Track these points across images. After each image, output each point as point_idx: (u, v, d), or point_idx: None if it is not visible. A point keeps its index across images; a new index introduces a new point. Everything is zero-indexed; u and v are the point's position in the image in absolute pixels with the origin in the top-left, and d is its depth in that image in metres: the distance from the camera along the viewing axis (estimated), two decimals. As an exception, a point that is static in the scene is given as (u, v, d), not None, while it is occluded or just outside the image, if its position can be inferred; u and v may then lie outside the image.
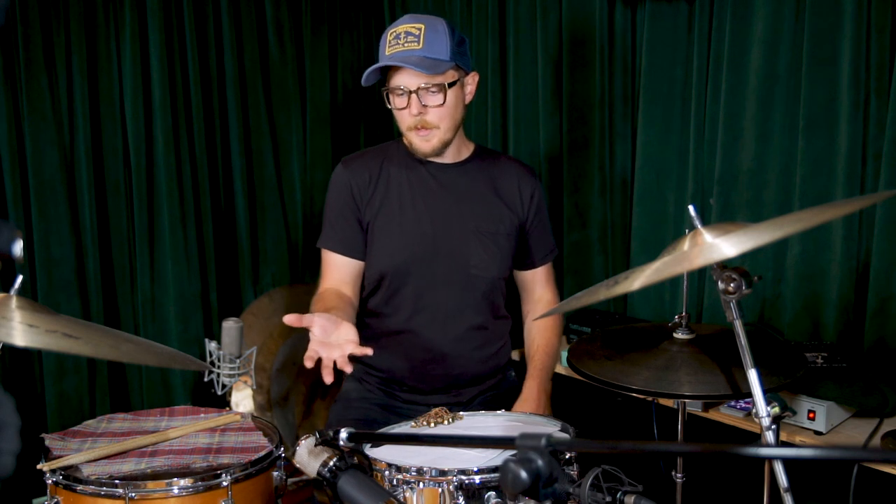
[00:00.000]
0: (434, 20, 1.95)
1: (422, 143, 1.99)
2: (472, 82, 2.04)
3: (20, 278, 1.42)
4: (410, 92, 1.93)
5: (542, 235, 2.18)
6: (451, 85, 1.95)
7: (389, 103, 2.00)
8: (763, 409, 1.38)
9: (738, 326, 1.41)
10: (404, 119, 1.99)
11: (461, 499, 1.43)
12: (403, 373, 2.10)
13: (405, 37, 1.92)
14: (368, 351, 1.66)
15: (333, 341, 1.65)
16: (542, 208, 2.16)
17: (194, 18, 2.94)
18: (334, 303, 1.98)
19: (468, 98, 2.05)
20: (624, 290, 1.29)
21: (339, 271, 2.08)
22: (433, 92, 1.94)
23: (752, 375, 1.39)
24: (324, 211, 2.14)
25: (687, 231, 1.37)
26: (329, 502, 1.44)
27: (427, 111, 1.95)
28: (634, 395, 1.76)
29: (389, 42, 1.94)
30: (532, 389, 2.05)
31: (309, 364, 1.61)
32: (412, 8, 3.27)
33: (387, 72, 1.98)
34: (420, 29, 1.92)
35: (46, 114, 2.69)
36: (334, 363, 1.61)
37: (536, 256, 2.18)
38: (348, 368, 1.61)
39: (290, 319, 1.63)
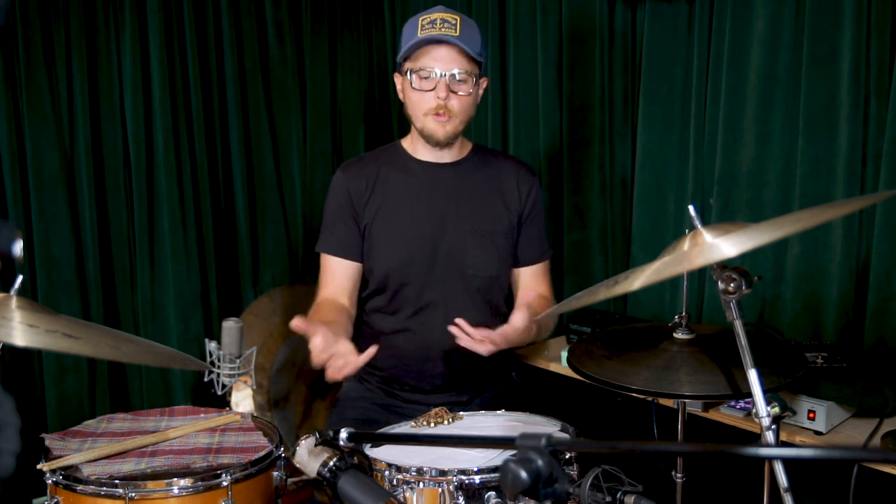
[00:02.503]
0: (465, 16, 2.00)
1: (437, 127, 2.00)
2: (483, 85, 2.06)
3: (20, 278, 1.42)
4: (441, 75, 1.95)
5: (537, 234, 2.16)
6: (478, 78, 1.99)
7: (412, 84, 1.99)
8: (763, 409, 1.38)
9: (738, 326, 1.41)
10: (425, 101, 1.99)
11: (461, 499, 1.43)
12: (404, 372, 2.10)
13: (441, 23, 1.95)
14: (371, 352, 1.72)
15: (333, 353, 1.72)
16: (538, 207, 2.15)
17: (194, 18, 2.94)
18: (333, 316, 1.99)
19: (478, 100, 2.07)
20: (624, 290, 1.29)
21: (338, 274, 2.11)
22: (462, 80, 1.97)
23: (752, 375, 1.39)
24: (322, 216, 2.15)
25: (687, 231, 1.37)
26: (329, 502, 1.44)
27: (451, 98, 1.97)
28: (634, 395, 1.76)
29: (423, 25, 1.96)
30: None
31: (317, 366, 1.72)
32: (412, 8, 3.27)
33: (410, 54, 1.99)
34: (456, 20, 1.97)
35: (46, 114, 2.69)
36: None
37: (529, 255, 2.16)
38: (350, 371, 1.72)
39: (296, 324, 1.67)
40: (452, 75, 1.96)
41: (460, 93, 1.98)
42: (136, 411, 1.95)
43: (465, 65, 1.96)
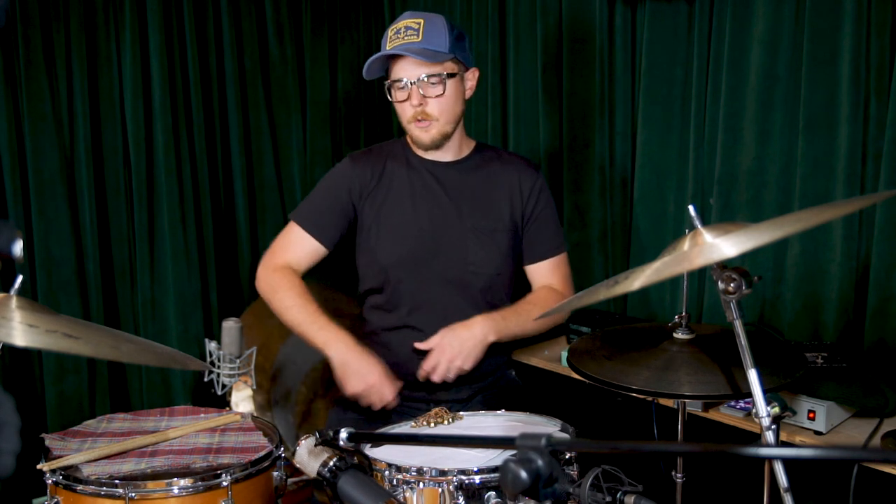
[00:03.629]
0: (433, 15, 2.01)
1: (421, 133, 2.03)
2: (472, 78, 2.07)
3: (20, 278, 1.42)
4: (411, 84, 1.97)
5: (547, 229, 2.16)
6: (450, 76, 1.99)
7: (390, 97, 2.04)
8: (763, 409, 1.38)
9: (738, 326, 1.40)
10: (405, 111, 2.03)
11: (461, 499, 1.43)
12: (403, 370, 2.10)
13: (405, 31, 1.98)
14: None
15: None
16: (544, 202, 2.14)
17: (194, 18, 2.94)
18: (312, 298, 2.06)
19: (468, 93, 2.08)
20: (624, 290, 1.29)
21: (302, 250, 2.11)
22: (433, 83, 1.98)
23: (752, 375, 1.39)
24: (313, 189, 2.16)
25: (687, 231, 1.37)
26: (329, 502, 1.44)
27: (427, 102, 1.99)
28: (634, 395, 1.76)
29: (390, 37, 2.00)
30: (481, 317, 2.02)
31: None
32: (412, 7, 3.28)
33: (388, 67, 2.03)
34: (419, 23, 1.98)
35: (46, 114, 2.69)
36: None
37: (542, 250, 2.15)
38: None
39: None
40: (422, 81, 1.97)
41: (434, 94, 1.99)
42: (136, 411, 1.95)
43: (432, 68, 1.97)
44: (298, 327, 2.04)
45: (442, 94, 1.99)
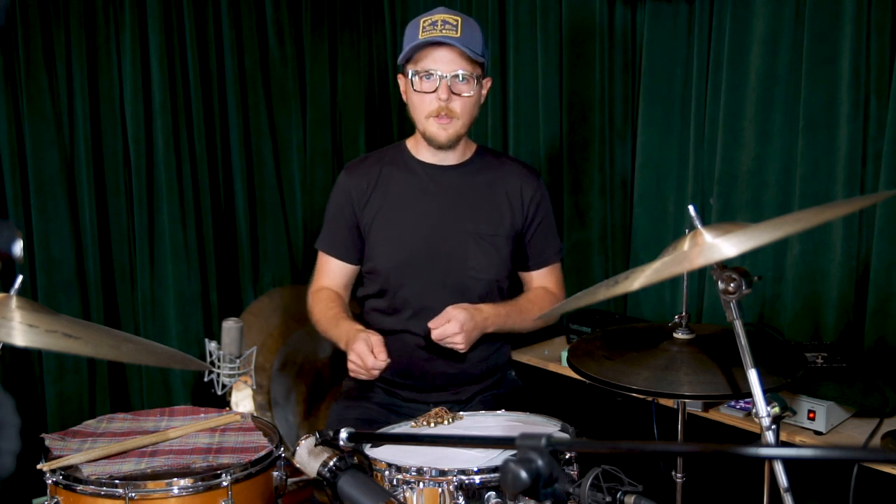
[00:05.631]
0: (467, 17, 2.00)
1: (439, 130, 2.00)
2: (486, 86, 2.06)
3: (20, 278, 1.42)
4: (442, 78, 1.95)
5: (547, 237, 2.16)
6: (480, 78, 1.99)
7: (413, 86, 2.00)
8: (763, 409, 1.38)
9: (738, 326, 1.40)
10: (427, 104, 1.99)
11: (461, 499, 1.43)
12: (403, 372, 2.10)
13: (442, 24, 1.95)
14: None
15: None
16: (545, 210, 2.15)
17: (194, 18, 2.94)
18: (338, 305, 2.09)
19: (481, 101, 2.07)
20: (624, 290, 1.29)
21: (333, 273, 2.16)
22: (464, 81, 1.97)
23: (752, 375, 1.39)
24: (325, 213, 2.17)
25: (687, 231, 1.37)
26: (329, 502, 1.44)
27: (453, 99, 1.97)
28: (634, 395, 1.76)
29: (424, 27, 1.96)
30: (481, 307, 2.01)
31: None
32: (412, 9, 3.27)
33: (410, 56, 1.99)
34: (457, 21, 1.96)
35: (46, 114, 2.69)
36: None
37: (540, 259, 2.17)
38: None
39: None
40: (455, 76, 1.95)
41: (463, 94, 1.97)
42: (136, 411, 1.95)
43: (467, 66, 1.96)
44: (326, 335, 2.09)
45: (471, 95, 1.99)
